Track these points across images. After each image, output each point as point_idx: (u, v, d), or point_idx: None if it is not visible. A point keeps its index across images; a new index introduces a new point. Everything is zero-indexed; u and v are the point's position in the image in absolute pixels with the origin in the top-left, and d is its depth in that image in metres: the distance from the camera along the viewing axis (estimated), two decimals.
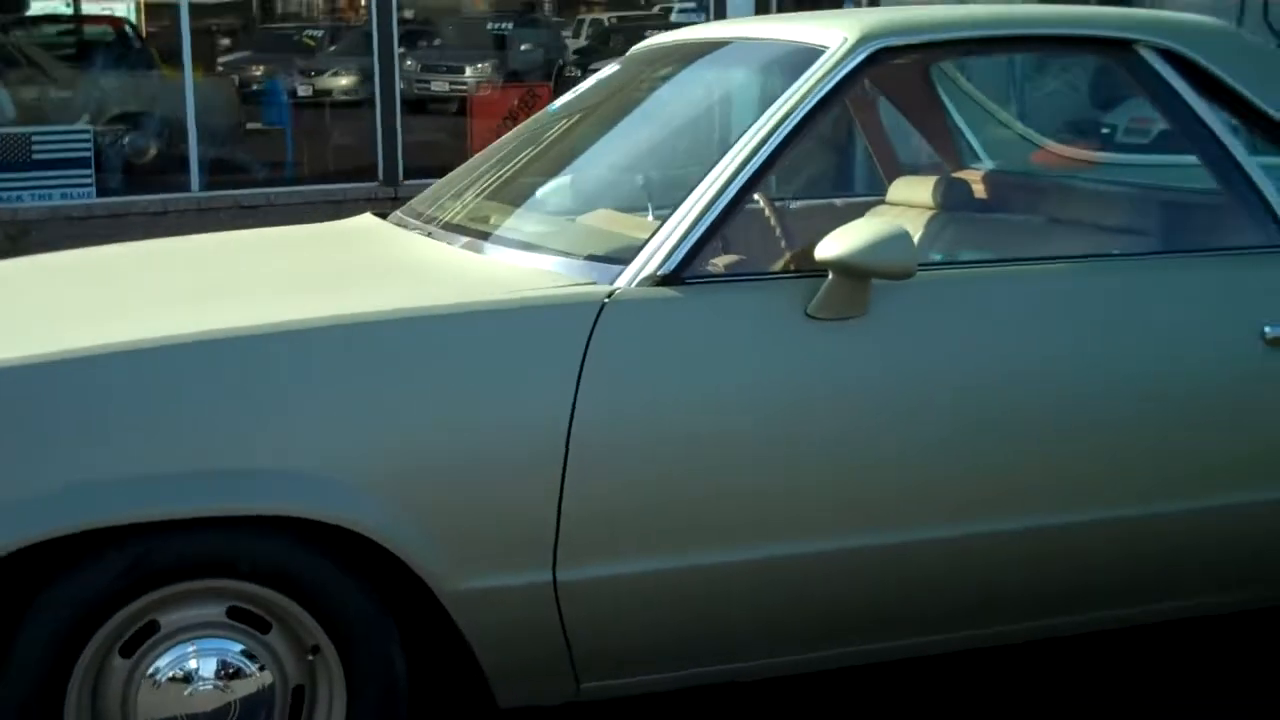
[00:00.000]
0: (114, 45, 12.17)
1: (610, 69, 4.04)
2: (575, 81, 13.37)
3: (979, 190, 4.21)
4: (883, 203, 4.29)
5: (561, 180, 3.64)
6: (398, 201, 10.39)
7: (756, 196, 3.19)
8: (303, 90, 12.55)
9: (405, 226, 3.56)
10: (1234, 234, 3.35)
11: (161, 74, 11.39)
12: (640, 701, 3.26)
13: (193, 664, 2.70)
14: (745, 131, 3.02)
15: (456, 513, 2.73)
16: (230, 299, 3.06)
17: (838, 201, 4.50)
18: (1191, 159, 3.53)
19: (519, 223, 3.38)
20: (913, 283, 2.92)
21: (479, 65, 13.89)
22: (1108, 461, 3.07)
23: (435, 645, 2.93)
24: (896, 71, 3.99)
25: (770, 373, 2.89)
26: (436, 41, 14.21)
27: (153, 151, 11.15)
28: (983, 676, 3.63)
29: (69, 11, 12.52)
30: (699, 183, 2.97)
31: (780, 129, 3.01)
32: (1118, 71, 3.54)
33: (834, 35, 3.17)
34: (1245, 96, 3.40)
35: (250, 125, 12.13)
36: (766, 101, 3.12)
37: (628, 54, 4.07)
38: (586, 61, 14.28)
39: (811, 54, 3.16)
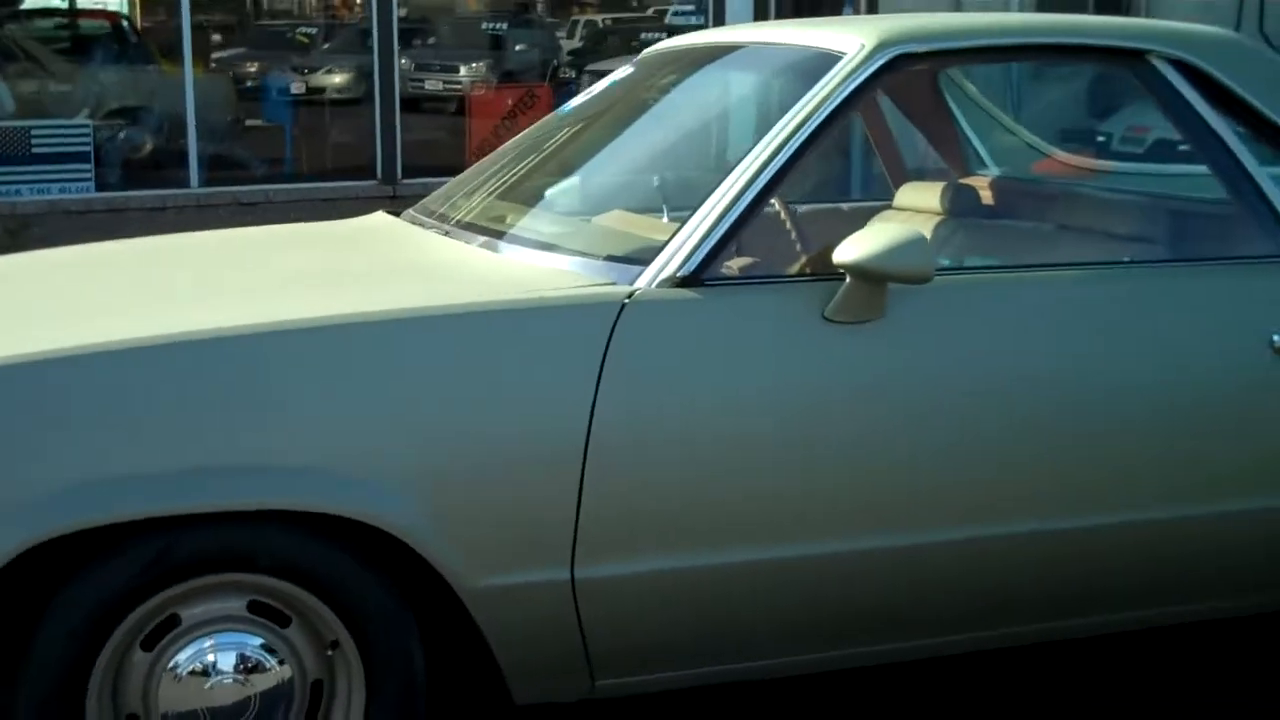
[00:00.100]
0: (112, 40, 12.15)
1: (624, 71, 4.06)
2: (570, 82, 13.46)
3: (986, 196, 4.24)
4: (889, 207, 4.31)
5: (576, 181, 3.67)
6: (396, 200, 10.41)
7: (772, 199, 3.21)
8: (301, 88, 12.55)
9: (421, 225, 3.57)
10: (1244, 243, 3.38)
11: (161, 69, 11.38)
12: (653, 700, 3.28)
13: (213, 658, 2.72)
14: (764, 135, 3.05)
15: (476, 510, 2.75)
16: (254, 295, 3.08)
17: (844, 206, 4.52)
18: (1194, 168, 3.56)
19: (535, 222, 3.40)
20: (928, 287, 2.94)
21: (474, 65, 13.89)
22: (1120, 466, 3.10)
23: (452, 642, 2.95)
24: (907, 77, 4.02)
25: (788, 375, 2.91)
26: (431, 40, 14.20)
27: (152, 147, 11.14)
28: (992, 676, 3.65)
29: (66, 5, 12.51)
30: (718, 185, 3.00)
31: (799, 133, 3.03)
32: (1129, 81, 3.57)
33: (851, 41, 3.20)
34: (1256, 107, 3.43)
35: (249, 122, 12.13)
36: (783, 106, 3.14)
37: (640, 56, 4.10)
38: (581, 63, 14.28)
39: (829, 59, 3.19)
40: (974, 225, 4.06)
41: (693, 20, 12.96)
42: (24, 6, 12.06)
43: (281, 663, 2.76)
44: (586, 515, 2.79)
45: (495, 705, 3.08)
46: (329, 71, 12.87)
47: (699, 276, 2.91)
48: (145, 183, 10.71)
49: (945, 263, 3.82)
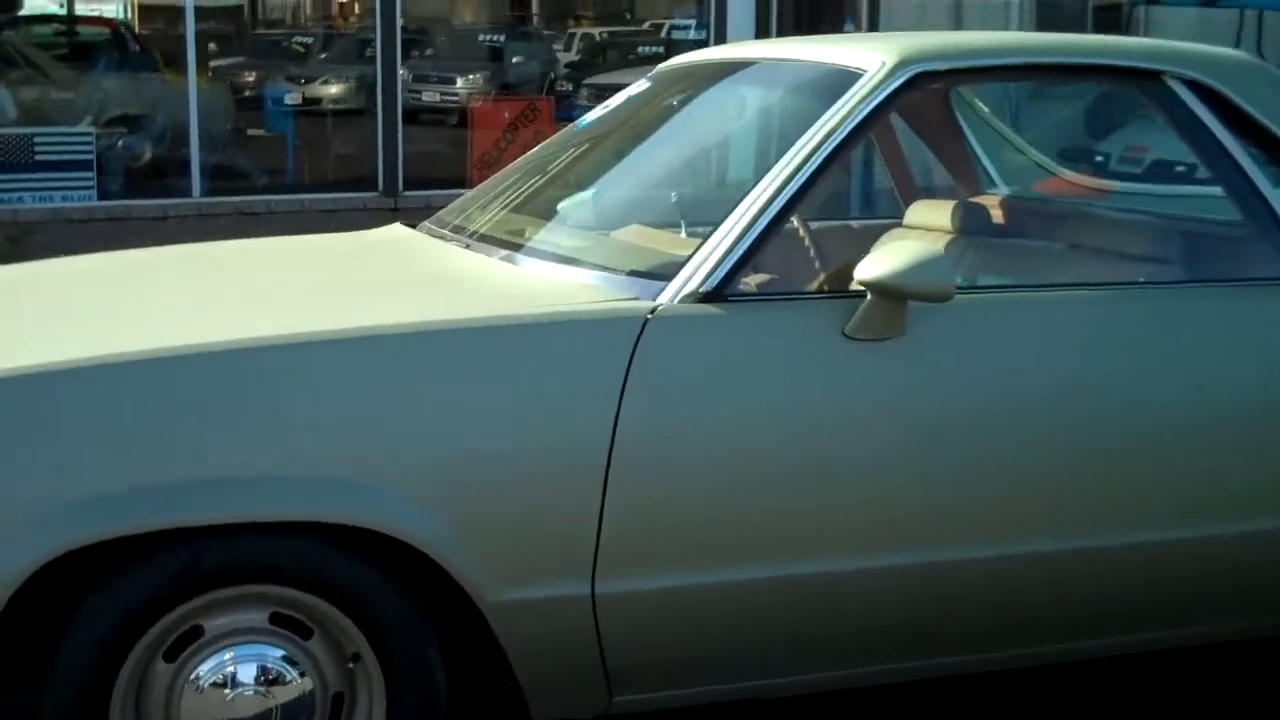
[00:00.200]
0: (113, 48, 12.16)
1: (639, 86, 4.07)
2: (569, 95, 13.48)
3: (996, 215, 4.26)
4: (899, 225, 4.33)
5: (594, 195, 3.68)
6: (397, 211, 10.42)
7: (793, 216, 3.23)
8: (303, 98, 12.57)
9: (440, 238, 3.58)
10: (1258, 265, 3.40)
11: (164, 78, 11.39)
12: (671, 716, 3.28)
13: (235, 669, 2.73)
14: (786, 151, 3.06)
15: (498, 523, 2.76)
16: (279, 306, 3.09)
17: (854, 223, 4.53)
18: (1195, 188, 3.58)
19: (555, 236, 3.41)
20: (948, 305, 2.96)
21: (471, 77, 13.93)
22: (1138, 485, 3.12)
23: (471, 656, 2.95)
24: (924, 95, 4.04)
25: (810, 391, 2.92)
26: (429, 52, 14.23)
27: (155, 156, 11.14)
28: (1008, 694, 3.66)
29: (65, 13, 12.52)
30: (741, 201, 3.01)
31: (822, 149, 3.04)
32: (1135, 101, 3.59)
33: (872, 59, 3.21)
34: (1270, 129, 3.45)
35: (251, 132, 12.14)
36: (803, 122, 3.15)
37: (656, 71, 4.11)
38: (579, 75, 14.33)
39: (849, 77, 3.20)
40: (985, 244, 4.08)
41: (692, 35, 12.99)
42: (23, 13, 12.07)
43: (303, 674, 2.77)
44: (608, 530, 2.80)
45: None
46: (332, 82, 12.91)
47: (722, 292, 2.92)
48: (147, 191, 10.72)
49: (959, 281, 3.83)
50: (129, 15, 12.78)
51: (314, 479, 2.67)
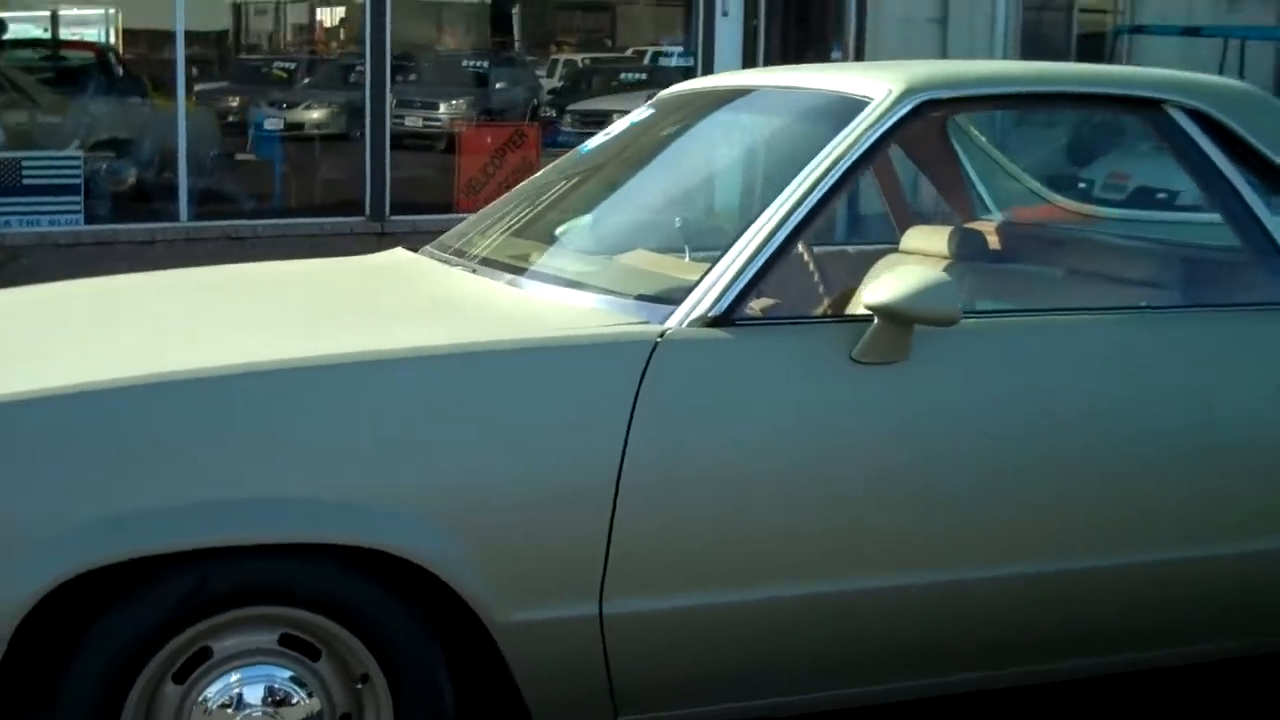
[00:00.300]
0: (100, 72, 12.15)
1: (641, 113, 4.09)
2: (553, 121, 13.52)
3: (993, 241, 4.29)
4: (895, 250, 4.35)
5: (598, 219, 3.69)
6: (384, 236, 10.43)
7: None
8: (290, 123, 12.58)
9: (444, 262, 3.59)
10: (1256, 290, 3.44)
11: (153, 103, 11.39)
12: None
13: (243, 690, 2.73)
14: (794, 177, 3.08)
15: (507, 544, 2.77)
16: (287, 330, 3.10)
17: (849, 248, 4.56)
18: (1183, 215, 3.62)
19: (560, 261, 3.43)
20: (954, 329, 2.98)
21: (454, 102, 13.95)
22: (1141, 507, 3.15)
23: (479, 676, 2.95)
24: (927, 123, 4.07)
25: (817, 414, 2.95)
26: (412, 77, 14.26)
27: (142, 180, 11.13)
28: (1015, 708, 3.67)
29: (50, 37, 12.50)
30: (749, 226, 3.03)
31: (829, 175, 3.07)
32: (1128, 129, 3.63)
33: (879, 87, 3.24)
34: (1269, 157, 3.49)
35: (239, 156, 12.13)
36: (809, 149, 3.17)
37: (658, 98, 4.13)
38: (563, 102, 14.37)
39: (855, 105, 3.23)
40: (982, 269, 4.10)
41: (675, 61, 13.03)
42: (7, 37, 12.06)
43: (311, 695, 2.77)
44: (616, 552, 2.81)
45: None
46: (319, 107, 12.91)
47: (730, 317, 2.94)
48: (134, 216, 10.70)
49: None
50: (115, 40, 12.76)
51: (324, 501, 2.67)
